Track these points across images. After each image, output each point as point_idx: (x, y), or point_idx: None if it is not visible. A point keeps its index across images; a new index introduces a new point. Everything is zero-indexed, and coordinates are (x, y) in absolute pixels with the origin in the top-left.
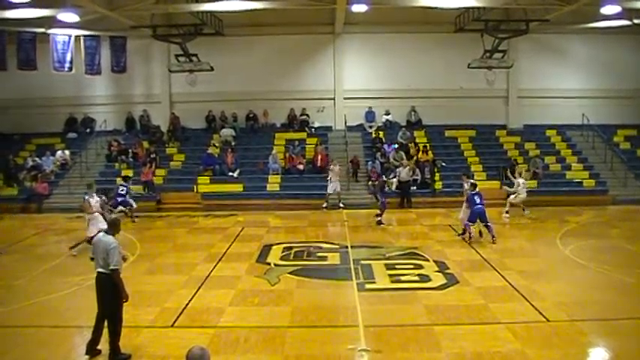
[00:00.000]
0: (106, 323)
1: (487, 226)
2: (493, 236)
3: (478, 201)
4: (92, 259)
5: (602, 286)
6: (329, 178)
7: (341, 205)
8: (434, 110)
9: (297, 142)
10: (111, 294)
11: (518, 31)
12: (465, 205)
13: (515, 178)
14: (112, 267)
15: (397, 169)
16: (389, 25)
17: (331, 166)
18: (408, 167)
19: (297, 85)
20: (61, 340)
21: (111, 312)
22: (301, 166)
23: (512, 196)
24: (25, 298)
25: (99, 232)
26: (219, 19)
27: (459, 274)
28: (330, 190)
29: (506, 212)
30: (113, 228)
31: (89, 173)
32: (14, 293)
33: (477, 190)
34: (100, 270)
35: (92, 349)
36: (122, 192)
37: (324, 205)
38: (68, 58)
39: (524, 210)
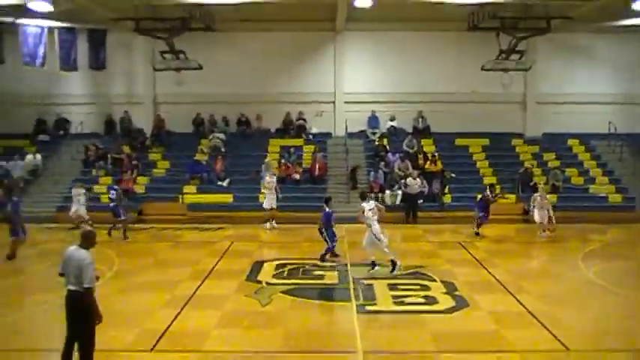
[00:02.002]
0: (76, 347)
1: None
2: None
3: None
4: (61, 274)
5: (629, 313)
6: (264, 192)
7: (270, 225)
8: (444, 116)
9: (292, 150)
10: (83, 315)
11: (537, 30)
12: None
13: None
14: (85, 285)
15: (404, 180)
16: (395, 22)
17: (267, 178)
18: (418, 178)
19: (294, 86)
20: None
21: (82, 335)
22: (297, 176)
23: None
24: None
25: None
26: (210, 13)
27: (469, 297)
28: (266, 206)
29: (543, 231)
30: (87, 241)
31: (63, 180)
32: None
33: None
34: (72, 288)
35: None
36: (112, 196)
37: (266, 226)
38: (40, 51)
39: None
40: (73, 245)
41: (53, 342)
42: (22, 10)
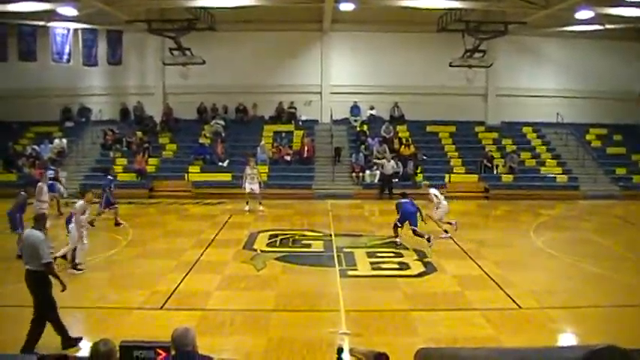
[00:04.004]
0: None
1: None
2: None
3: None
4: (20, 256)
5: (571, 275)
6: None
7: (248, 207)
8: (416, 106)
9: (284, 134)
10: (45, 289)
11: (497, 32)
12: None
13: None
14: (44, 261)
15: (381, 162)
16: (375, 23)
17: (248, 170)
18: (392, 162)
19: (285, 79)
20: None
21: (44, 304)
22: (288, 157)
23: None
24: (16, 280)
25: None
26: (212, 15)
27: (437, 263)
28: (247, 190)
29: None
30: (40, 223)
31: (85, 161)
32: (6, 275)
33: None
34: (30, 267)
35: (33, 344)
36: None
37: (245, 208)
38: (67, 50)
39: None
40: (28, 229)
41: (75, 301)
42: (52, 15)
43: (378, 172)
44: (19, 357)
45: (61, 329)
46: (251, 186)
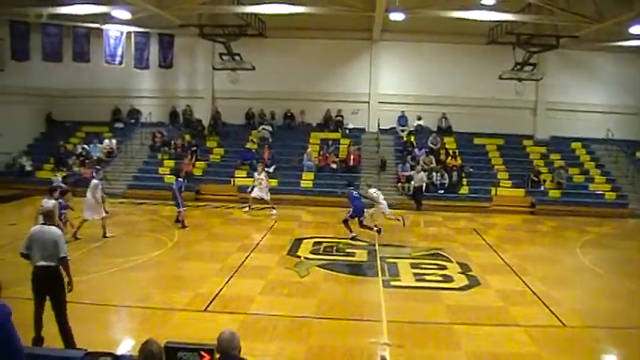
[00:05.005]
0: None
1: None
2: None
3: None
4: (25, 255)
5: (617, 295)
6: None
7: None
8: (464, 118)
9: (331, 142)
10: (60, 285)
11: (548, 46)
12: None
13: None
14: (62, 255)
15: (411, 173)
16: (424, 34)
17: (256, 175)
18: (422, 172)
19: (333, 87)
20: (96, 316)
21: (60, 303)
22: (334, 165)
23: (371, 210)
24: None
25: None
26: (263, 22)
27: (481, 277)
28: (253, 195)
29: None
30: (51, 218)
31: (133, 162)
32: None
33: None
34: (44, 263)
35: (72, 340)
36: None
37: (244, 209)
38: (119, 52)
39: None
40: (37, 226)
41: (120, 299)
42: (106, 18)
43: (424, 182)
44: (68, 352)
45: (69, 333)
46: (259, 192)
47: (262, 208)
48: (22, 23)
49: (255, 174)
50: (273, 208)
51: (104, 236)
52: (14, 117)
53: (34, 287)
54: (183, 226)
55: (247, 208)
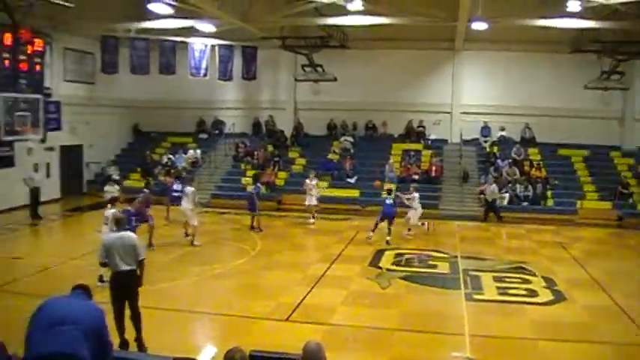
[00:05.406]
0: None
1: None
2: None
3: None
4: (105, 264)
5: None
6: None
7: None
8: (548, 128)
9: (412, 153)
10: (135, 287)
11: (636, 54)
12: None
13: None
14: (141, 258)
15: (484, 186)
16: (507, 43)
17: (307, 181)
18: (494, 185)
19: (415, 97)
20: (180, 323)
21: (135, 304)
22: (416, 176)
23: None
24: (151, 283)
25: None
26: (344, 33)
27: (567, 292)
28: (307, 203)
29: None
30: (123, 224)
31: (217, 172)
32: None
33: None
34: (126, 268)
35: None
36: (254, 190)
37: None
38: (204, 64)
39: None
40: (110, 234)
41: (204, 306)
42: (191, 31)
43: (507, 194)
44: (157, 358)
45: (141, 333)
46: (310, 200)
47: (342, 219)
48: (111, 38)
49: (307, 180)
50: (313, 217)
51: (192, 244)
52: (103, 128)
53: (114, 291)
54: (259, 230)
55: (312, 219)
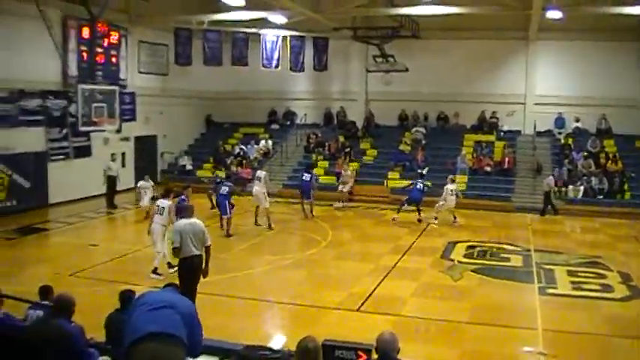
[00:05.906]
0: None
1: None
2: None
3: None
4: (177, 248)
5: None
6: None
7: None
8: (625, 119)
9: (485, 144)
10: (200, 270)
11: None
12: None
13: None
14: (209, 243)
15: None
16: (582, 32)
17: (343, 172)
18: (551, 177)
19: (488, 88)
20: (253, 311)
21: (195, 287)
22: (488, 168)
23: (439, 204)
24: (225, 271)
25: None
26: (416, 23)
27: None
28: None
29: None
30: (191, 212)
31: (288, 162)
32: (217, 266)
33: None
34: (197, 252)
35: None
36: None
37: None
38: (275, 56)
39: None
40: (181, 220)
41: (276, 295)
42: (263, 23)
43: (582, 187)
44: (228, 344)
45: None
46: (342, 187)
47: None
48: (185, 30)
49: (342, 170)
50: (342, 201)
51: (269, 227)
52: (177, 119)
53: (185, 273)
54: (312, 216)
55: (340, 203)
